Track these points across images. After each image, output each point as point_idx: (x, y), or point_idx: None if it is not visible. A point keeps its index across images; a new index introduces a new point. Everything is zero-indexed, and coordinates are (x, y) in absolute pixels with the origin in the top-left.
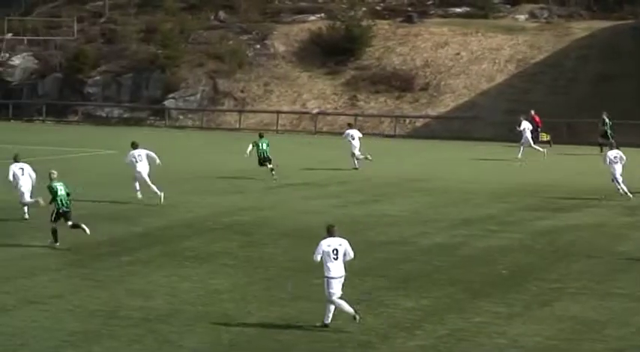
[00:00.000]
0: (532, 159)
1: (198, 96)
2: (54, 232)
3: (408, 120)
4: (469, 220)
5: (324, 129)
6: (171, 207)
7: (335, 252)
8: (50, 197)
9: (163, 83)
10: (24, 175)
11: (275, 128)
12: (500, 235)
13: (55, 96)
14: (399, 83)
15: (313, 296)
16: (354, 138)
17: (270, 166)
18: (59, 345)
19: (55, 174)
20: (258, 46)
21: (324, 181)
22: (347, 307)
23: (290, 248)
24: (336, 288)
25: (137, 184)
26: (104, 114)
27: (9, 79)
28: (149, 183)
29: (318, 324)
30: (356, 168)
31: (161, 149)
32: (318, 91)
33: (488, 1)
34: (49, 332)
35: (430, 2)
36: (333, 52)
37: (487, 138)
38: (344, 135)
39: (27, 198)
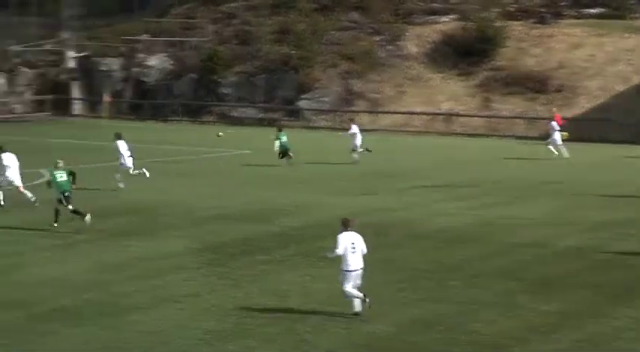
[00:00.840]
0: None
1: (332, 97)
2: (56, 212)
3: (541, 122)
4: (605, 223)
5: (458, 130)
6: (306, 208)
7: (353, 245)
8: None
9: (296, 84)
10: (13, 164)
11: (408, 129)
12: (639, 239)
13: (190, 96)
14: (533, 84)
15: (449, 299)
16: (356, 134)
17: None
18: (195, 344)
19: (60, 163)
20: (391, 47)
21: (456, 183)
22: (356, 303)
23: (424, 249)
24: (352, 281)
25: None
26: (238, 115)
27: (145, 79)
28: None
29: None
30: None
31: (296, 149)
32: (451, 92)
33: (623, 1)
34: (185, 330)
35: (564, 3)
36: (465, 53)
37: (623, 141)
38: (351, 132)
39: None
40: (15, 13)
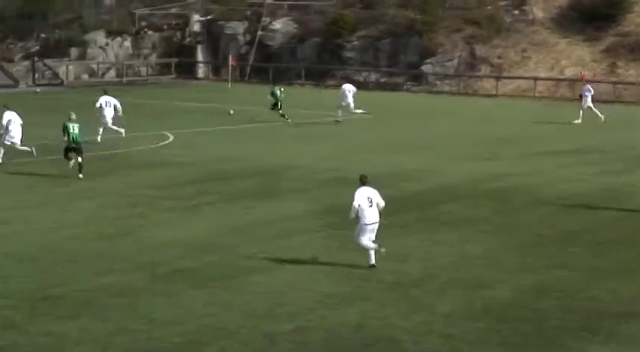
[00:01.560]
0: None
1: (455, 61)
2: (66, 156)
3: None
4: None
5: None
6: (429, 172)
7: (370, 200)
8: (64, 133)
9: (420, 48)
10: (15, 122)
11: (532, 94)
12: None
13: (314, 60)
14: None
15: (569, 266)
16: (349, 92)
17: (280, 112)
18: (314, 306)
19: (73, 115)
20: (516, 12)
21: (580, 149)
22: (372, 256)
23: (546, 215)
24: (369, 234)
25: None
26: (361, 79)
27: (270, 43)
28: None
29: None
30: (338, 121)
31: (419, 114)
32: (576, 58)
33: None
34: (304, 292)
35: None
36: (592, 17)
37: None
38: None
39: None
40: None
